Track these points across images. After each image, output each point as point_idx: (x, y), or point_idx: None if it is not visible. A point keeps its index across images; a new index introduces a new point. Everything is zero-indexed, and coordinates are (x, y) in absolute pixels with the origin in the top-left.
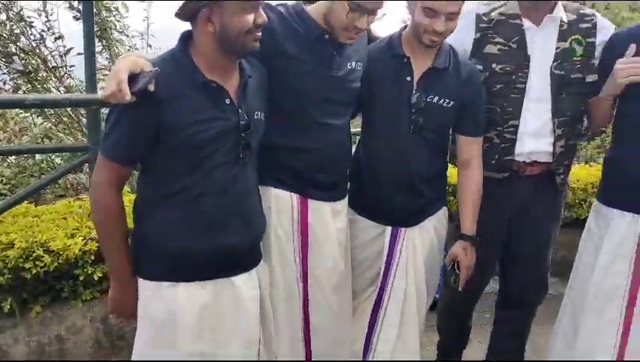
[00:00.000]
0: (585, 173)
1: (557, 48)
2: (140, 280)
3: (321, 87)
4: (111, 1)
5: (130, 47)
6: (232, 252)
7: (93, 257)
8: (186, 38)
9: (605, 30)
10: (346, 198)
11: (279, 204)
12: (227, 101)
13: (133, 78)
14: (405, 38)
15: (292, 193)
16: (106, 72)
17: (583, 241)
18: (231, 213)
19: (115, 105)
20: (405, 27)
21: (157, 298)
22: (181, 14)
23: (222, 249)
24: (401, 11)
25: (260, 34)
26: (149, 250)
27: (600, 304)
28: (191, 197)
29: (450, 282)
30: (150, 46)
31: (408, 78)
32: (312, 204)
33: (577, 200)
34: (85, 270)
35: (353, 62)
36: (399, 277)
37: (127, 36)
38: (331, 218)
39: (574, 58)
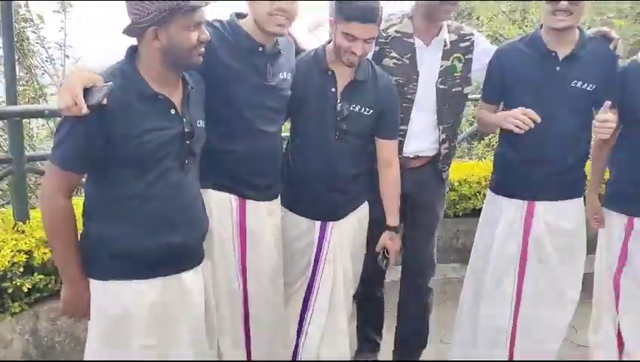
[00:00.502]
0: (478, 168)
1: (441, 66)
2: (92, 281)
3: (257, 95)
4: (27, 12)
5: (48, 58)
6: (179, 250)
7: (22, 269)
8: (133, 53)
9: (482, 45)
10: (279, 197)
11: (220, 205)
12: (172, 111)
13: (86, 92)
14: (329, 52)
15: (231, 195)
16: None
17: (479, 226)
18: (177, 214)
19: (66, 117)
20: (330, 42)
21: (109, 296)
22: (129, 32)
23: (170, 247)
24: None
25: (203, 50)
26: (100, 250)
27: (497, 279)
28: (140, 201)
29: (382, 266)
30: (68, 57)
31: (333, 89)
32: (250, 205)
33: (473, 193)
34: (14, 282)
35: (285, 73)
36: (328, 266)
37: (44, 47)
38: (267, 216)
39: (455, 74)
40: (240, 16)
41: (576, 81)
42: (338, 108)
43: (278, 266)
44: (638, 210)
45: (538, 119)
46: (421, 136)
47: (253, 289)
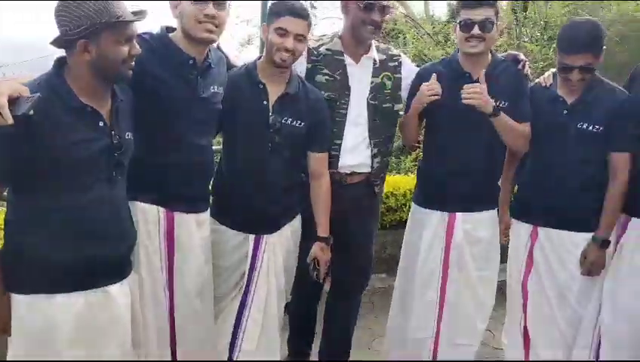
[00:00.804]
0: (404, 181)
1: (371, 83)
2: (14, 296)
3: (187, 107)
4: None
5: None
6: (105, 263)
7: None
8: (61, 64)
9: (409, 66)
10: (209, 210)
11: (147, 217)
12: (101, 123)
13: (11, 102)
14: (260, 66)
15: (159, 207)
16: None
17: (405, 238)
18: (104, 226)
19: None
20: (260, 57)
21: (33, 311)
22: (57, 43)
23: (96, 260)
24: None
25: (133, 63)
26: (24, 263)
27: (422, 288)
28: (66, 213)
29: (313, 276)
30: None
31: (265, 102)
32: (178, 217)
33: (399, 205)
34: None
35: (216, 86)
36: (262, 280)
37: None
38: (196, 228)
39: (385, 91)
40: (169, 29)
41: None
42: (270, 120)
43: (207, 279)
44: (541, 219)
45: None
46: (355, 150)
47: (180, 303)
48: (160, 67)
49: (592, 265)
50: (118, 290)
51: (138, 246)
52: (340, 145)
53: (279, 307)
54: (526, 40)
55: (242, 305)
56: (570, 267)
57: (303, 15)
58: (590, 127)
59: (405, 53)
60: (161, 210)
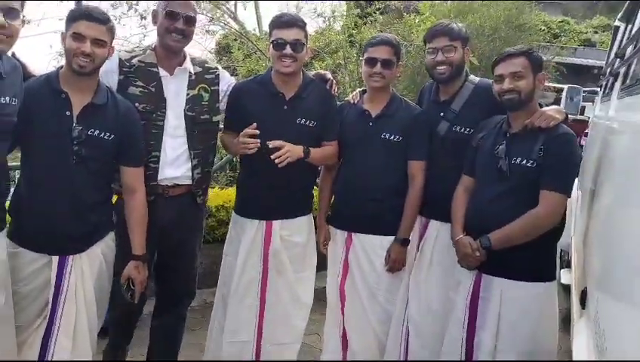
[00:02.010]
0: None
1: (188, 95)
2: None
3: None
4: None
5: None
6: None
7: None
8: None
9: (227, 79)
10: (5, 231)
11: None
12: None
13: None
14: (63, 76)
15: None
16: None
17: (225, 246)
18: None
19: None
20: (61, 67)
21: None
22: None
23: None
24: None
25: None
26: None
27: (241, 293)
28: None
29: (127, 298)
30: None
31: (68, 113)
32: None
33: (230, 218)
34: None
35: (7, 97)
36: (69, 304)
37: None
38: None
39: (202, 103)
40: None
41: (300, 118)
42: (75, 132)
43: (5, 308)
44: (354, 226)
45: (256, 132)
46: (175, 163)
47: None
48: None
49: (394, 262)
50: None
51: None
52: (158, 157)
53: (91, 329)
54: (350, 60)
55: (48, 333)
56: (378, 268)
57: (100, 19)
58: (392, 137)
59: (235, 71)
60: None
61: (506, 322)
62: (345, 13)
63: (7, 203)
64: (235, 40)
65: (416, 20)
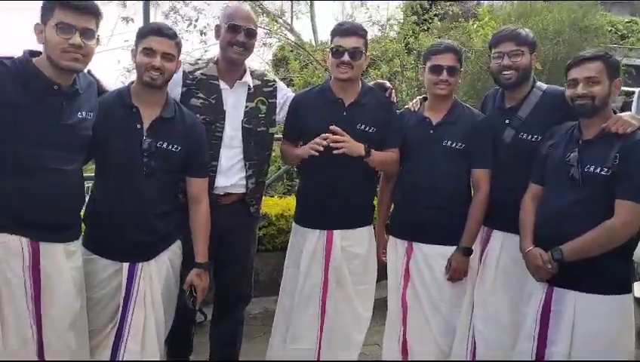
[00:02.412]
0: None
1: (246, 107)
2: None
3: (51, 133)
4: None
5: None
6: None
7: None
8: None
9: (284, 91)
10: (80, 239)
11: (8, 249)
12: None
13: None
14: (134, 90)
15: (22, 237)
16: None
17: (287, 256)
18: None
19: None
20: (132, 83)
21: None
22: None
23: None
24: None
25: None
26: None
27: (304, 302)
28: None
29: (189, 304)
30: None
31: (138, 126)
32: (45, 247)
33: (290, 227)
34: None
35: (84, 112)
36: (138, 310)
37: None
38: (65, 259)
39: (260, 115)
40: (34, 53)
41: (360, 124)
42: (145, 145)
43: (80, 312)
44: (414, 235)
45: (326, 136)
46: (229, 172)
47: (50, 339)
48: (19, 93)
49: (455, 271)
50: None
51: None
52: (216, 166)
53: (159, 336)
54: (408, 67)
55: (118, 338)
56: (440, 278)
57: (169, 35)
58: (453, 144)
59: (291, 82)
60: (25, 240)
61: (580, 336)
62: (401, 21)
63: (82, 212)
64: (292, 51)
65: (475, 26)
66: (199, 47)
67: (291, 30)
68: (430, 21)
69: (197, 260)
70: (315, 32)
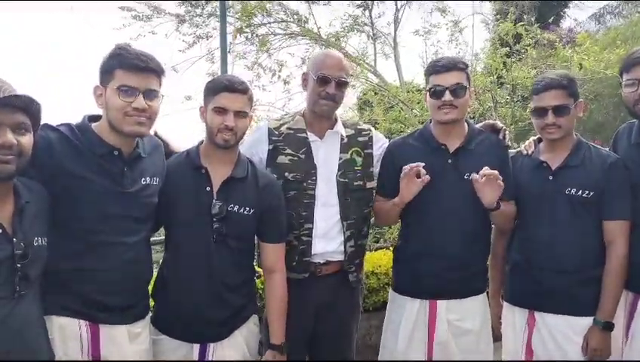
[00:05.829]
0: (386, 258)
1: (340, 159)
2: None
3: (111, 204)
4: None
5: None
6: None
7: None
8: None
9: (381, 142)
10: (147, 318)
11: (65, 333)
12: None
13: None
14: (203, 150)
15: (80, 320)
16: None
17: (384, 329)
18: (7, 352)
19: None
20: (202, 142)
21: None
22: None
23: None
24: None
25: (8, 156)
26: None
27: None
28: None
29: None
30: None
31: (208, 188)
32: (105, 330)
33: (382, 285)
34: None
35: (148, 178)
36: None
37: None
38: (128, 342)
39: (355, 168)
40: (93, 118)
41: (469, 174)
42: (215, 209)
43: None
44: (536, 303)
45: (420, 165)
46: (328, 234)
47: None
48: (77, 162)
49: (596, 352)
50: None
51: None
52: (311, 229)
53: None
54: (501, 102)
55: None
56: (573, 356)
57: (240, 90)
58: (579, 193)
59: (376, 124)
60: (83, 323)
61: None
62: (490, 52)
63: (150, 287)
64: (376, 94)
65: (574, 55)
66: (282, 97)
67: (375, 72)
68: (524, 50)
69: (272, 341)
70: (399, 71)
